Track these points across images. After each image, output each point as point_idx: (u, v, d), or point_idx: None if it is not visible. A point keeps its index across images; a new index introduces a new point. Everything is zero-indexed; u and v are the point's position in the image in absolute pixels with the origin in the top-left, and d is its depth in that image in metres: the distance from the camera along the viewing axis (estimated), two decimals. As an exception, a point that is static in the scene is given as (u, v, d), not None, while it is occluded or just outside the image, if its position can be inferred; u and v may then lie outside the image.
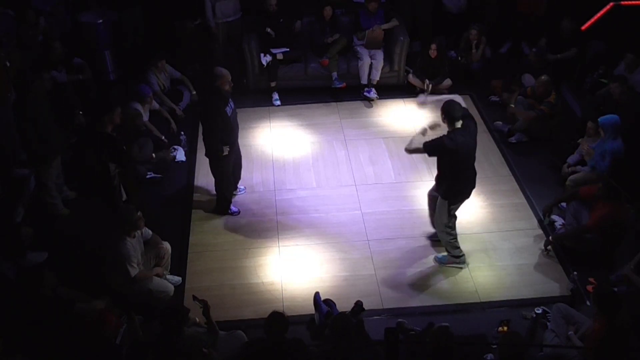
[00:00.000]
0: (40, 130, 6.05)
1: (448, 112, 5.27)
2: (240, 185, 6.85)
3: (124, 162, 6.06)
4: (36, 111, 6.02)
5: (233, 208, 6.63)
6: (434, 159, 6.30)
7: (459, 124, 5.26)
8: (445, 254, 5.98)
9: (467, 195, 5.70)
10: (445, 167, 5.49)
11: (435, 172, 5.73)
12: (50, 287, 4.89)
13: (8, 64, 6.98)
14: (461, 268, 5.95)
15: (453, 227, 5.80)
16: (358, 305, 5.15)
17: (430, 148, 5.35)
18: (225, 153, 6.14)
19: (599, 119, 6.32)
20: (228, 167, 6.37)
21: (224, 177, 6.42)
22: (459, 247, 5.90)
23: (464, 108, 5.42)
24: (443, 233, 5.81)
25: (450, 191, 5.57)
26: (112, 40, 8.77)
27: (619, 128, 6.23)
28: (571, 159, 6.83)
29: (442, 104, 5.36)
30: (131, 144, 6.81)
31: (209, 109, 6.01)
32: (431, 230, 6.25)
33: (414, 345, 4.88)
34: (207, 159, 6.31)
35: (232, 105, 6.09)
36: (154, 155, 7.14)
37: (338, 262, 6.04)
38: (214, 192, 6.77)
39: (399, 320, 5.34)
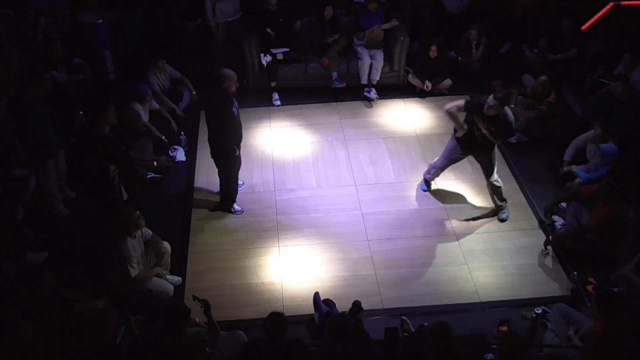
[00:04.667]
0: (36, 131, 6.03)
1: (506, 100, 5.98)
2: (239, 181, 6.83)
3: (123, 163, 5.97)
4: (32, 113, 5.99)
5: (237, 207, 6.62)
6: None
7: None
8: (503, 210, 6.46)
9: None
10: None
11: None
12: (50, 287, 4.88)
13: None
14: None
15: None
16: (356, 305, 5.14)
17: (508, 131, 6.14)
18: (237, 153, 6.15)
19: (600, 146, 6.35)
20: (237, 168, 6.38)
21: (232, 178, 6.42)
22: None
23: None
24: (499, 181, 6.35)
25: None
26: (112, 40, 8.77)
27: (616, 159, 6.29)
28: (567, 155, 6.82)
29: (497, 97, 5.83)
30: (131, 145, 6.78)
31: (220, 111, 5.93)
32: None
33: (411, 346, 4.88)
34: (208, 160, 6.28)
35: (237, 105, 6.09)
36: (155, 163, 7.14)
37: (338, 262, 6.04)
38: (215, 191, 6.76)
39: (402, 317, 5.36)
